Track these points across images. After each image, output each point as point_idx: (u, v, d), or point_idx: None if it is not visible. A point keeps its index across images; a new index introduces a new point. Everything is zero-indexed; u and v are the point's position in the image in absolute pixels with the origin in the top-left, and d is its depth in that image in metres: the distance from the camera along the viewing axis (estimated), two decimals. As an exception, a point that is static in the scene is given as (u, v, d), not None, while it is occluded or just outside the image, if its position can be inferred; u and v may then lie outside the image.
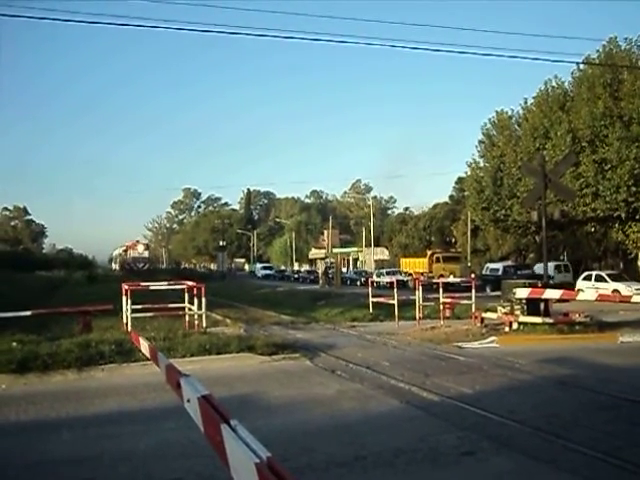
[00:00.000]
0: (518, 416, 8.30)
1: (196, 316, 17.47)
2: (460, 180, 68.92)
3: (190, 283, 19.08)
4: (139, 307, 16.72)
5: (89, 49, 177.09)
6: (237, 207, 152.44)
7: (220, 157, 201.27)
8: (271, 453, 2.94)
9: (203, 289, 17.32)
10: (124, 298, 16.51)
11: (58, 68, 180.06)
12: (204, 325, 17.00)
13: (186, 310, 18.02)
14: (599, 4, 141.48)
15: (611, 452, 6.72)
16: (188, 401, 4.02)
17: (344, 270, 73.11)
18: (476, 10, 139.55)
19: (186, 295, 18.23)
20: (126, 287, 16.75)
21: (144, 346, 6.69)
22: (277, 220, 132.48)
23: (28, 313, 16.34)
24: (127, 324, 16.13)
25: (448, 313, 21.27)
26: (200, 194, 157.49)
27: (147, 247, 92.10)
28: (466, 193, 55.64)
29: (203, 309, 17.19)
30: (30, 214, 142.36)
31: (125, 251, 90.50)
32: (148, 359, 6.69)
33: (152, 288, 19.57)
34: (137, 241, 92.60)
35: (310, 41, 18.94)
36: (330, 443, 7.35)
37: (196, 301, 17.58)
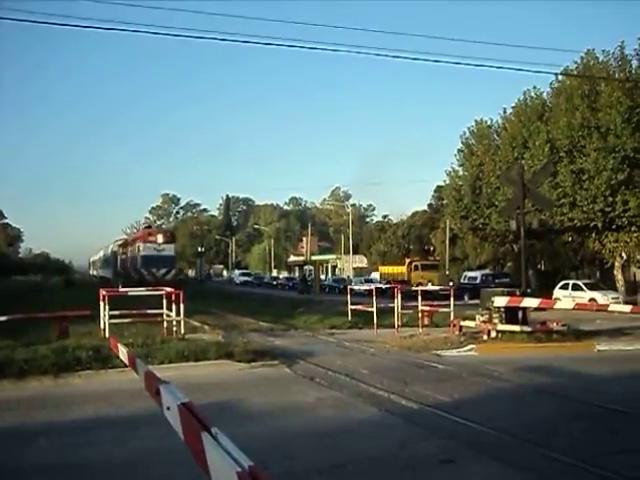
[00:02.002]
0: (497, 424, 8.32)
1: (174, 322, 17.36)
2: (439, 188, 69.33)
3: (168, 289, 18.94)
4: (117, 313, 16.57)
5: (66, 55, 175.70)
6: (216, 213, 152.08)
7: (199, 163, 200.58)
8: (251, 461, 2.91)
9: (181, 295, 17.24)
10: (102, 304, 16.38)
11: (39, 72, 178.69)
12: (182, 331, 16.89)
13: (164, 316, 17.90)
14: (577, 16, 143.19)
15: (589, 460, 6.75)
16: (168, 408, 3.97)
17: (323, 277, 73.05)
18: (458, 20, 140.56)
19: (164, 301, 18.10)
20: (104, 292, 16.62)
21: (122, 352, 6.63)
22: (256, 227, 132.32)
23: (4, 318, 16.15)
24: (104, 330, 15.99)
25: (427, 321, 21.32)
26: (179, 200, 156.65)
27: (172, 238, 50.53)
28: (445, 201, 55.89)
29: (181, 315, 17.08)
30: (6, 217, 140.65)
31: (124, 246, 55.01)
32: (126, 365, 6.62)
33: (130, 294, 19.41)
34: (148, 226, 61.89)
35: (289, 47, 18.98)
36: (310, 451, 7.32)
37: (174, 307, 17.46)
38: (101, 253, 79.63)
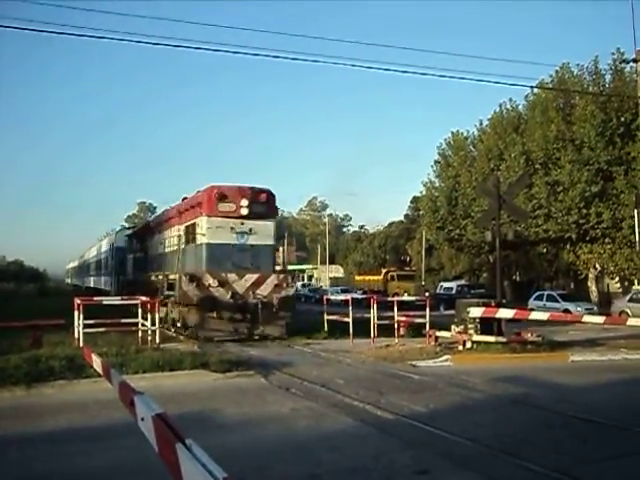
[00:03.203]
0: (472, 435, 8.35)
1: (149, 332, 17.26)
2: (415, 199, 69.70)
3: (144, 298, 18.83)
4: (91, 322, 16.43)
5: (39, 60, 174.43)
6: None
7: (176, 172, 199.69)
8: (226, 472, 2.90)
9: (157, 304, 17.16)
10: (76, 312, 16.24)
11: (9, 75, 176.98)
12: (157, 341, 16.80)
13: (139, 325, 17.77)
14: (554, 29, 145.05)
15: (562, 470, 6.80)
16: (142, 419, 3.95)
17: (299, 287, 72.83)
18: (437, 34, 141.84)
19: (139, 310, 17.97)
20: (78, 301, 16.48)
21: (96, 362, 6.58)
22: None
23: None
24: (79, 339, 15.85)
25: (402, 331, 21.33)
26: (155, 208, 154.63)
27: (272, 206, 22.76)
28: (421, 212, 56.19)
29: (157, 325, 17.00)
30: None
31: (145, 232, 32.65)
32: (100, 375, 6.57)
33: (105, 303, 19.26)
34: (216, 190, 21.15)
35: (272, 58, 19.17)
36: (285, 461, 7.30)
37: (149, 316, 17.37)
38: (89, 254, 58.12)
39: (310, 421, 9.44)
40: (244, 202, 20.97)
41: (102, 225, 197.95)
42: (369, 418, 9.55)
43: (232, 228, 21.08)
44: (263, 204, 21.77)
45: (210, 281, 20.16)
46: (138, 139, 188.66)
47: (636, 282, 41.59)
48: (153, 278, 26.90)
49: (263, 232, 21.67)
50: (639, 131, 35.23)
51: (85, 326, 16.03)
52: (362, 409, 10.21)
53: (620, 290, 43.02)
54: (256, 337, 20.59)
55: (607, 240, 38.20)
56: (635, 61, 28.40)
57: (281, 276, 21.65)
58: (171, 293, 22.36)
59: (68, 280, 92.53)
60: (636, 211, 27.90)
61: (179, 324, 22.08)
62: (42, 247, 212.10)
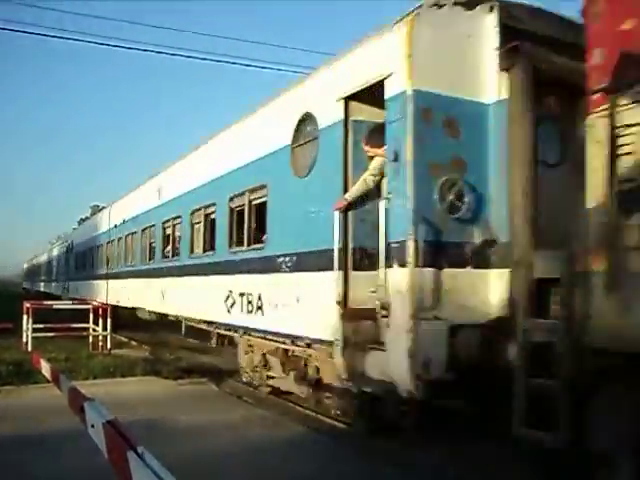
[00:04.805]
0: (422, 441, 8.40)
1: (100, 337, 17.04)
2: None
3: (95, 303, 18.61)
4: (41, 326, 16.15)
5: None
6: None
7: (130, 174, 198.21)
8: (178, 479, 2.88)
9: (109, 310, 16.97)
10: (25, 317, 15.98)
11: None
12: (109, 347, 16.60)
13: (90, 331, 17.54)
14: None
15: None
16: (92, 426, 3.90)
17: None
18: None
19: (91, 315, 17.73)
20: (27, 305, 16.22)
21: (45, 367, 6.48)
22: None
23: None
24: (27, 344, 15.59)
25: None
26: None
27: None
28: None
29: (108, 330, 16.81)
30: None
31: None
32: (49, 381, 6.46)
33: (55, 307, 18.97)
34: None
35: (220, 63, 19.15)
36: (237, 469, 7.25)
37: (101, 321, 17.15)
38: (31, 261, 37.30)
39: (262, 429, 9.38)
40: None
41: (53, 229, 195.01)
42: (321, 426, 9.56)
43: None
44: None
45: None
46: (93, 142, 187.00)
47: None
48: None
49: None
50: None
51: (34, 330, 15.77)
52: (314, 417, 10.20)
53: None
54: None
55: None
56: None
57: None
58: None
59: (26, 284, 74.97)
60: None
61: None
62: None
